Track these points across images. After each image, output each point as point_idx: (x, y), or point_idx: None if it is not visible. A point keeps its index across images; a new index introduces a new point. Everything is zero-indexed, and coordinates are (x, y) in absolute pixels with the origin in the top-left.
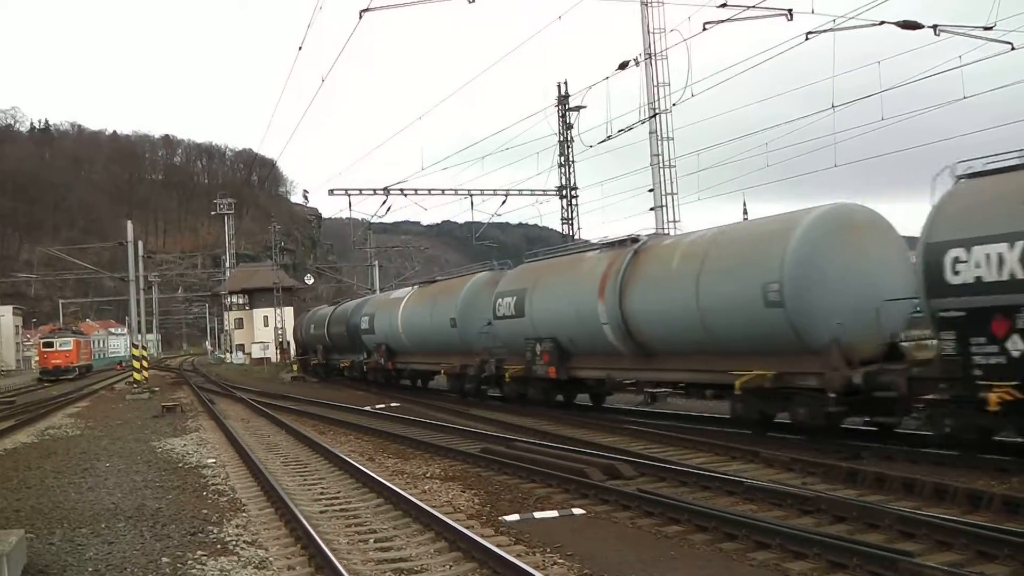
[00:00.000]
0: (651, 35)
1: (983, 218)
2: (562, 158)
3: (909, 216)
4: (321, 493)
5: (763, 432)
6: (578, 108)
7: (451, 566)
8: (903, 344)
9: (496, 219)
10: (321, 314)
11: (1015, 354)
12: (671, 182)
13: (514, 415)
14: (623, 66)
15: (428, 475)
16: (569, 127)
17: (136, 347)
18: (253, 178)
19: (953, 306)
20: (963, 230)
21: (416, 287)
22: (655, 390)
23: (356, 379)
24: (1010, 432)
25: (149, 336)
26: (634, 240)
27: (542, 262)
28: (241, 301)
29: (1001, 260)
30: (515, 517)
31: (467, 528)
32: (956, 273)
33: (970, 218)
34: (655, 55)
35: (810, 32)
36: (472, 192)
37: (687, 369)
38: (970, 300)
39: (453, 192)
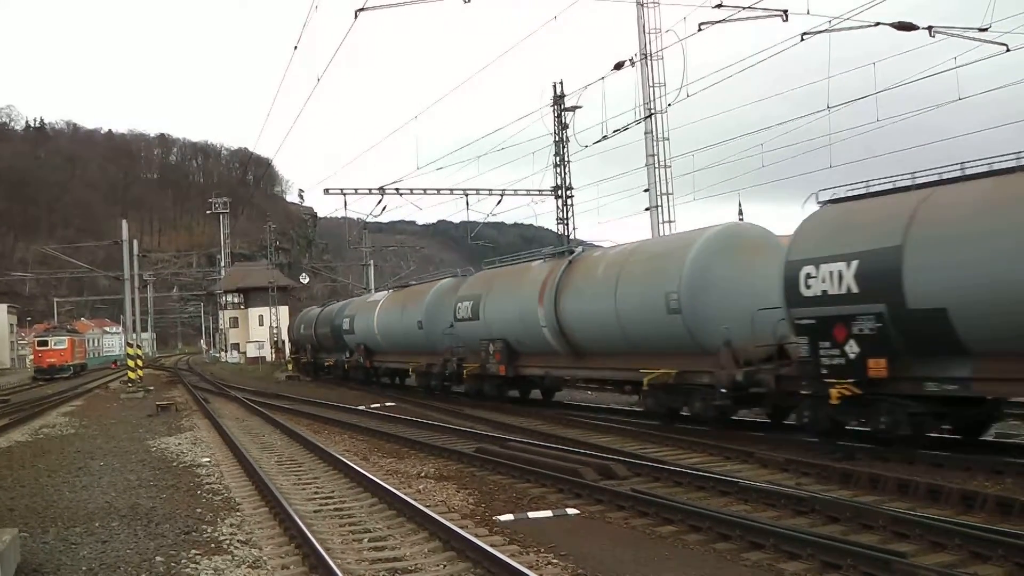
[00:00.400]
0: (647, 35)
1: (829, 240)
2: (557, 158)
3: None
4: (315, 492)
5: (670, 424)
6: (574, 108)
7: (445, 566)
8: (790, 346)
9: (491, 219)
10: (311, 315)
11: (852, 356)
12: (666, 182)
13: (508, 415)
14: (619, 66)
15: (422, 475)
16: (564, 127)
17: (131, 346)
18: (248, 177)
19: (806, 315)
20: (814, 250)
21: (391, 291)
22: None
23: (339, 377)
24: (855, 423)
25: (144, 335)
26: (570, 252)
27: (496, 270)
28: (236, 300)
29: (841, 276)
30: (509, 517)
31: (461, 528)
32: (808, 287)
33: (820, 240)
34: (651, 55)
35: (805, 33)
36: (467, 192)
37: (610, 367)
38: (818, 310)
39: (448, 192)
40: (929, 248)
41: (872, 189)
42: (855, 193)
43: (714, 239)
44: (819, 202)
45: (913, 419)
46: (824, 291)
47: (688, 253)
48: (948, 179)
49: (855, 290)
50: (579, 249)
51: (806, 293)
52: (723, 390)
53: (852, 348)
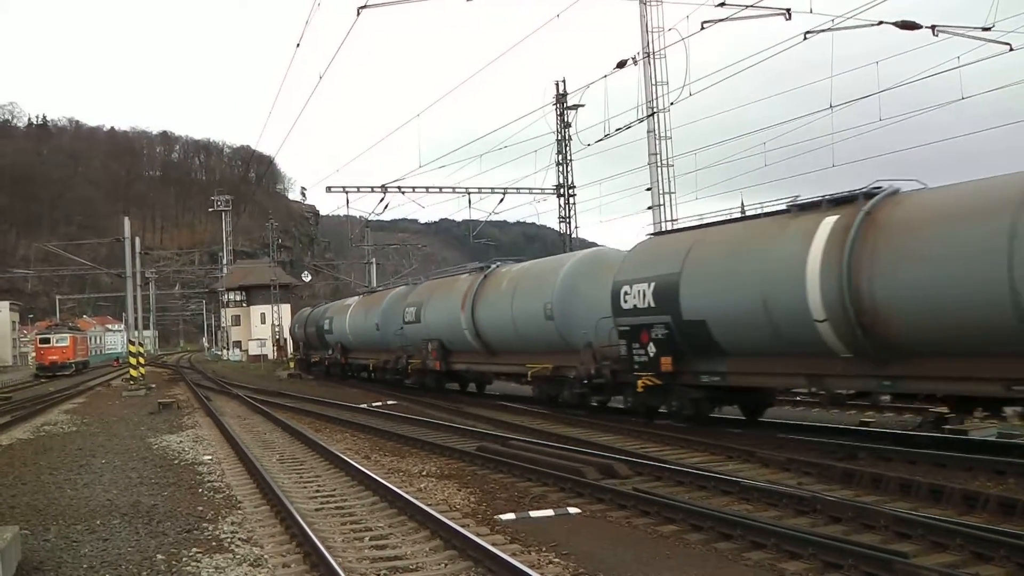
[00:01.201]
0: (649, 34)
1: (640, 266)
2: (560, 156)
3: None
4: (317, 491)
5: (552, 408)
6: (576, 107)
7: (446, 564)
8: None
9: (494, 217)
10: (304, 315)
11: (651, 355)
12: (669, 181)
13: (510, 414)
14: (621, 65)
15: (424, 473)
16: (567, 125)
17: (133, 344)
18: (251, 175)
19: (624, 323)
20: (630, 273)
21: (360, 296)
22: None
23: (322, 372)
24: (668, 405)
25: (146, 333)
26: (487, 267)
27: (435, 280)
28: (238, 298)
29: (644, 294)
30: (511, 516)
31: (462, 527)
32: (625, 302)
33: (635, 265)
34: (653, 54)
35: (808, 32)
36: (470, 190)
37: (511, 363)
38: (631, 319)
39: (451, 190)
40: (694, 276)
41: (677, 226)
42: (667, 229)
43: (580, 262)
44: (647, 234)
45: (694, 403)
46: (635, 305)
47: (560, 273)
48: (717, 222)
49: (653, 305)
50: (494, 265)
51: (624, 306)
52: (584, 380)
53: (651, 349)
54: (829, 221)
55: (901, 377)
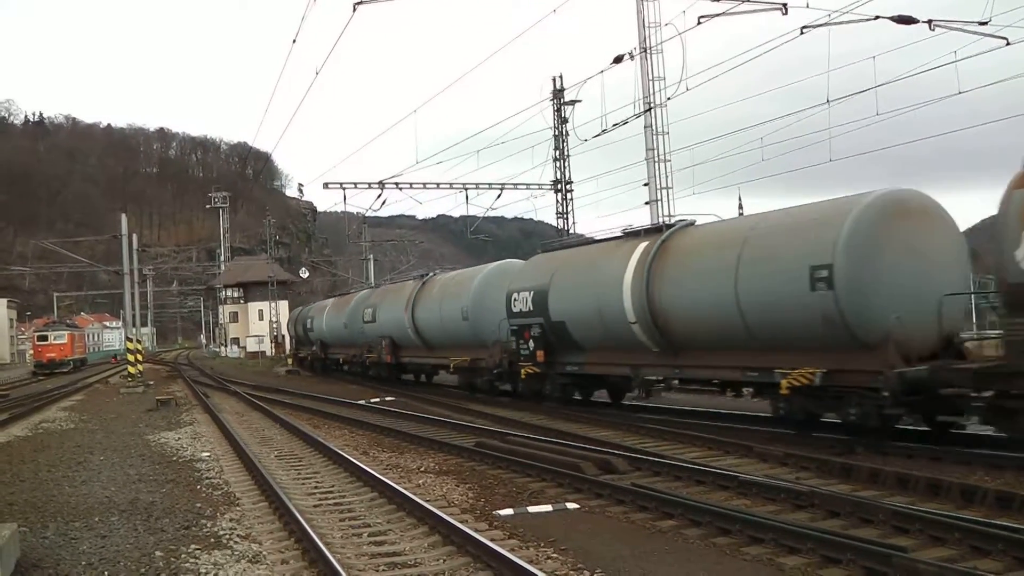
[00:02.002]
0: (646, 29)
1: (526, 276)
2: (557, 152)
3: None
4: (315, 487)
5: (472, 394)
6: (573, 102)
7: (445, 560)
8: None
9: (491, 213)
10: (295, 314)
11: (531, 349)
12: (666, 176)
13: (508, 409)
14: (618, 60)
15: (422, 469)
16: (564, 121)
17: (131, 341)
18: (248, 171)
19: (514, 323)
20: (519, 282)
21: (335, 298)
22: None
23: (308, 365)
24: (544, 390)
25: (144, 330)
26: (425, 275)
27: (388, 286)
28: (236, 295)
29: (527, 300)
30: (509, 511)
31: (461, 522)
32: (515, 306)
33: (523, 276)
34: (650, 49)
35: (805, 26)
36: (467, 186)
37: (441, 356)
38: (518, 320)
39: (448, 186)
40: (558, 287)
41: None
42: (552, 246)
43: (490, 272)
44: (540, 249)
45: (562, 388)
46: (521, 309)
47: (474, 281)
48: (578, 243)
49: (532, 309)
50: (432, 274)
51: (514, 310)
52: (493, 370)
53: (531, 344)
54: (641, 246)
55: (684, 366)
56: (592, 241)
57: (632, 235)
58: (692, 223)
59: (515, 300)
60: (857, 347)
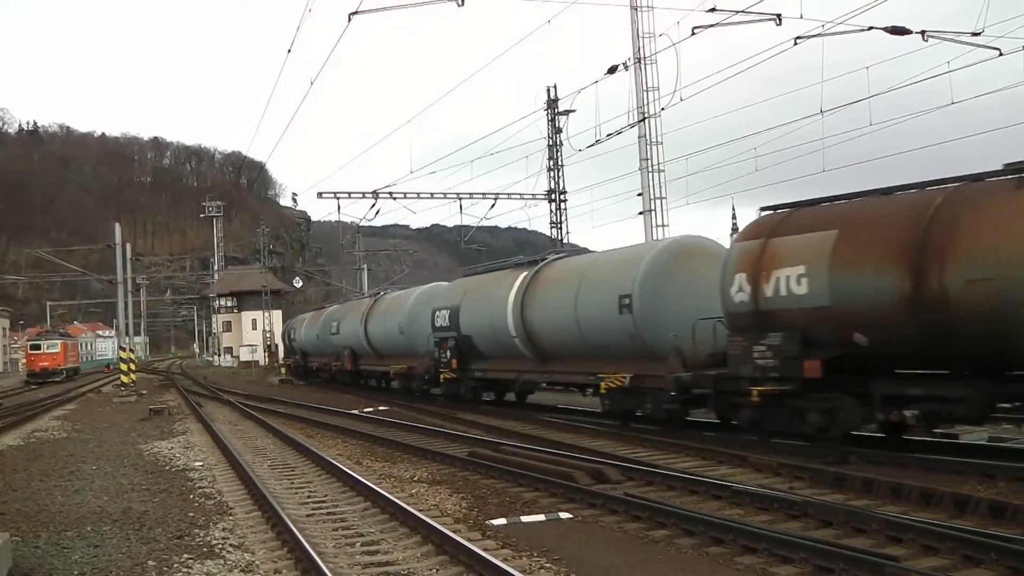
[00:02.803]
0: (640, 39)
1: (446, 297)
2: (551, 162)
3: None
4: (308, 497)
5: (409, 397)
6: (567, 112)
7: (438, 570)
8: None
9: (485, 223)
10: (286, 325)
11: (448, 358)
12: (660, 186)
13: (501, 419)
14: (612, 70)
15: (415, 479)
16: (558, 131)
17: (124, 350)
18: (242, 181)
19: (437, 336)
20: (440, 302)
21: (311, 312)
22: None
23: (294, 371)
24: (459, 392)
25: (137, 339)
26: (377, 294)
27: (349, 302)
28: (229, 304)
29: (445, 316)
30: (502, 521)
31: (454, 532)
32: (438, 321)
33: (443, 296)
34: (644, 59)
35: (799, 37)
36: (461, 196)
37: (391, 364)
38: (440, 334)
39: (442, 196)
40: (466, 306)
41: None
42: (468, 272)
43: (423, 292)
44: (464, 274)
45: (472, 390)
46: (441, 324)
47: (409, 301)
48: (485, 269)
49: (448, 324)
50: (383, 292)
51: (437, 325)
52: (425, 376)
53: (448, 354)
54: (522, 275)
55: (551, 371)
56: (494, 268)
57: (518, 266)
58: (560, 256)
59: (437, 316)
60: (652, 358)
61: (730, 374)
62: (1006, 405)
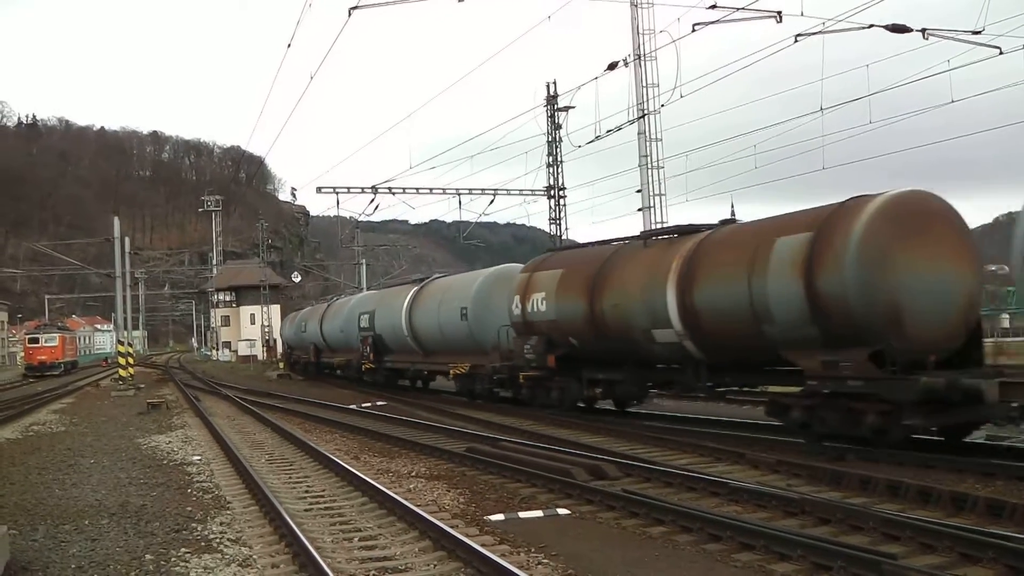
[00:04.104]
0: (640, 36)
1: (367, 303)
2: (550, 158)
3: None
4: (306, 491)
5: (348, 381)
6: (567, 108)
7: (435, 565)
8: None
9: (484, 219)
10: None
11: (369, 351)
12: (659, 183)
13: (499, 415)
14: (612, 67)
15: (413, 474)
16: (558, 127)
17: (122, 344)
18: (241, 175)
19: (362, 335)
20: (364, 307)
21: (292, 313)
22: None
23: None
24: (375, 378)
25: (135, 333)
26: (331, 299)
27: (315, 306)
28: (228, 298)
29: (365, 319)
30: (500, 517)
31: (452, 527)
32: (362, 323)
33: (367, 303)
34: (644, 56)
35: (799, 34)
36: (460, 191)
37: (341, 356)
38: (363, 333)
39: (441, 191)
40: (379, 313)
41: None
42: (382, 283)
43: (361, 299)
44: (384, 285)
45: (386, 377)
46: (364, 326)
47: (348, 305)
48: (400, 283)
49: (368, 326)
50: (334, 297)
51: (361, 326)
52: (359, 366)
53: (369, 348)
54: (413, 289)
55: (429, 362)
56: (395, 284)
57: (413, 282)
58: (436, 277)
59: (362, 319)
60: (481, 352)
61: (513, 364)
62: (653, 388)
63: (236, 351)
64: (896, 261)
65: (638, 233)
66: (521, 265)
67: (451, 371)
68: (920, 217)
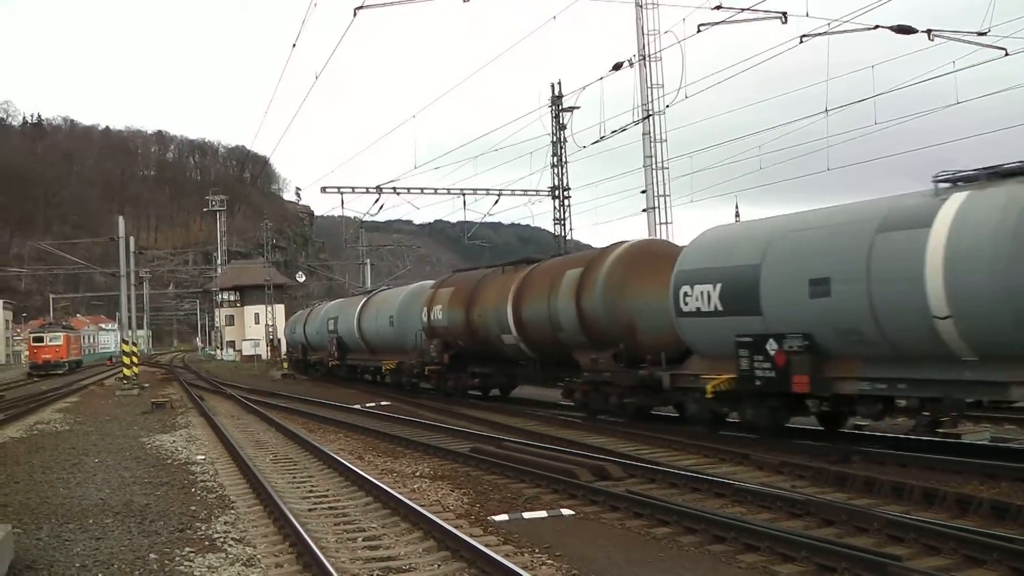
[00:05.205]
0: (645, 36)
1: (332, 311)
2: (555, 158)
3: None
4: (310, 491)
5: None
6: (571, 109)
7: (439, 565)
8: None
9: (488, 219)
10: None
11: (335, 351)
12: (664, 184)
13: (503, 415)
14: (617, 67)
15: (417, 474)
16: (562, 128)
17: (126, 343)
18: (245, 175)
19: (330, 337)
20: (332, 313)
21: (297, 313)
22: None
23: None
24: (340, 374)
25: (139, 332)
26: (312, 305)
27: (303, 311)
28: (232, 298)
29: (332, 324)
30: (504, 517)
31: (456, 527)
32: (331, 326)
33: (332, 310)
34: (649, 56)
35: (804, 35)
36: (465, 191)
37: (315, 354)
38: (331, 335)
39: (446, 191)
40: (341, 319)
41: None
42: (345, 294)
43: (335, 304)
44: (351, 293)
45: (348, 372)
46: (332, 328)
47: (322, 311)
48: (364, 294)
49: (334, 329)
50: (315, 303)
51: (328, 329)
52: (328, 364)
53: (335, 349)
54: (363, 300)
55: (373, 360)
56: (354, 295)
57: (365, 294)
58: (380, 290)
59: (329, 323)
60: (405, 352)
61: (424, 360)
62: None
63: (240, 351)
64: (630, 290)
65: (501, 263)
66: (433, 282)
67: (383, 366)
68: (649, 259)
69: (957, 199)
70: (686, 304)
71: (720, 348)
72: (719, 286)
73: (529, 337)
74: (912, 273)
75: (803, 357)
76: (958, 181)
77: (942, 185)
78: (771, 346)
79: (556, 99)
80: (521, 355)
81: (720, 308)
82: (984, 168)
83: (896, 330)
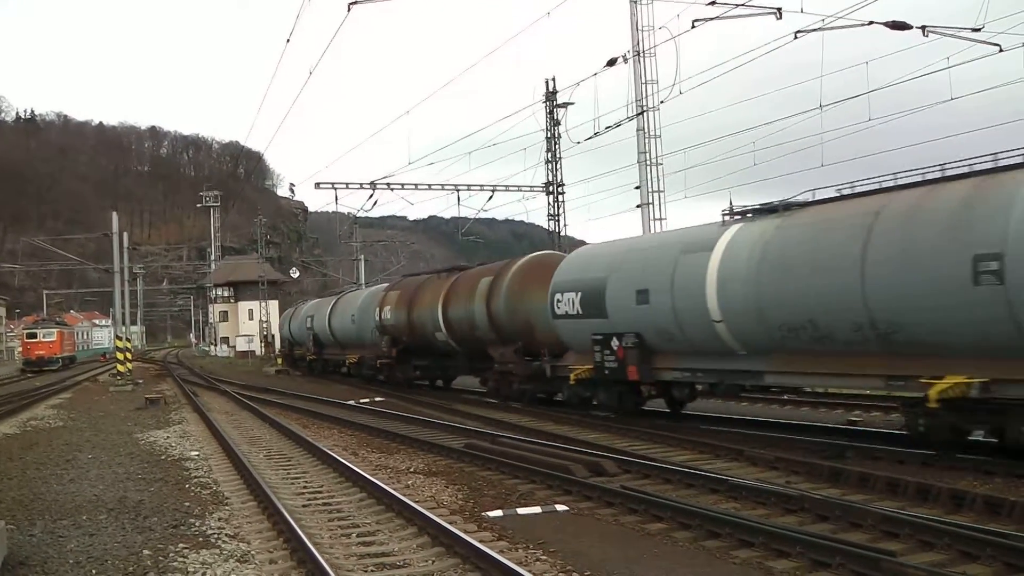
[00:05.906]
0: (639, 32)
1: (311, 310)
2: (549, 154)
3: None
4: (304, 487)
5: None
6: (566, 105)
7: (433, 561)
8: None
9: (482, 215)
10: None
11: (312, 346)
12: (658, 180)
13: (498, 411)
14: (611, 63)
15: (412, 470)
16: (556, 123)
17: (120, 339)
18: (239, 171)
19: (310, 334)
20: (310, 312)
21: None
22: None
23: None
24: (317, 367)
25: (133, 328)
26: (296, 307)
27: (291, 310)
28: (226, 294)
29: (310, 322)
30: (498, 513)
31: (450, 523)
32: (309, 323)
33: (310, 309)
34: (643, 52)
35: (799, 31)
36: (459, 187)
37: (298, 350)
38: (312, 332)
39: (440, 187)
40: (316, 316)
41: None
42: (328, 294)
43: (319, 301)
44: (319, 296)
45: (323, 365)
46: (310, 326)
47: (302, 309)
48: (339, 295)
49: (311, 326)
50: (295, 307)
51: (307, 326)
52: (307, 358)
53: (312, 344)
54: (333, 299)
55: (343, 354)
56: (329, 295)
57: (332, 295)
58: (348, 291)
59: (307, 320)
60: (364, 347)
61: (378, 355)
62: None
63: (234, 347)
64: (527, 295)
65: (437, 270)
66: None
67: (347, 360)
68: (544, 270)
69: (732, 230)
70: (559, 308)
71: (583, 344)
72: (580, 294)
73: (455, 334)
74: (699, 287)
75: (634, 351)
76: (736, 215)
77: (726, 218)
78: (614, 343)
79: (550, 95)
80: (451, 349)
81: (581, 312)
82: (757, 206)
83: (691, 330)
